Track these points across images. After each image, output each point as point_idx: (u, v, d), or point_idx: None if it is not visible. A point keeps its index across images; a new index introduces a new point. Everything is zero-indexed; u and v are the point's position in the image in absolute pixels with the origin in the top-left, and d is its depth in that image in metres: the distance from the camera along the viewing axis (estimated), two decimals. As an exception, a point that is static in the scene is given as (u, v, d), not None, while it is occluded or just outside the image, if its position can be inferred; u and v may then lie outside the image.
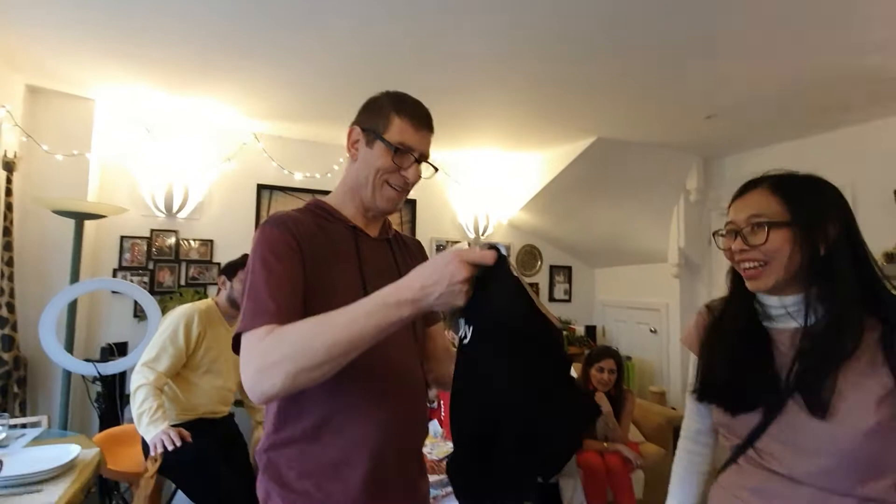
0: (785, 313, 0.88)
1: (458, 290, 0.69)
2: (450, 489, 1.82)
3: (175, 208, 3.22)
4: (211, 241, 3.37)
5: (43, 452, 1.61)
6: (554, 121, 3.12)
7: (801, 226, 0.84)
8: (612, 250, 4.32)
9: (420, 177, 0.99)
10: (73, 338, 2.63)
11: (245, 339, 0.78)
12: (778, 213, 0.86)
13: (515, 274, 0.72)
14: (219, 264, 3.33)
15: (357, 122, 0.99)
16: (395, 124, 0.94)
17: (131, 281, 3.06)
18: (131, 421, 1.96)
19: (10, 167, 2.54)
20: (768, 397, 0.86)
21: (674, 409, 3.41)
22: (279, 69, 2.47)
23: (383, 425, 0.90)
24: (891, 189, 2.80)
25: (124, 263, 3.13)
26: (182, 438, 1.82)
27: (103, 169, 3.07)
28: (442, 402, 2.50)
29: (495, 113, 3.06)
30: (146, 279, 3.16)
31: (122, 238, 3.12)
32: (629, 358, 4.06)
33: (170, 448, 1.77)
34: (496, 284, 0.71)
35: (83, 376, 2.68)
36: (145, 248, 3.18)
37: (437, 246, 4.11)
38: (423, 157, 0.98)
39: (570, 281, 4.68)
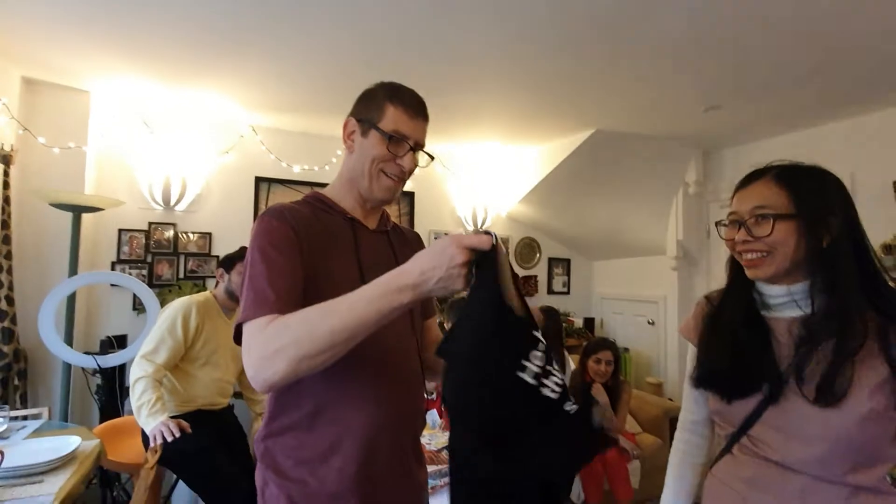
0: (784, 302, 0.89)
1: (457, 273, 0.70)
2: (447, 479, 1.83)
3: (173, 201, 3.21)
4: (209, 233, 3.37)
5: (44, 444, 1.62)
6: (553, 112, 3.11)
7: (806, 218, 0.84)
8: (611, 243, 4.33)
9: (416, 165, 0.99)
10: (73, 331, 2.64)
11: (247, 329, 0.79)
12: (783, 205, 0.86)
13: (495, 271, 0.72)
14: (217, 257, 3.33)
15: (352, 113, 0.99)
16: (389, 113, 0.94)
17: (130, 274, 3.06)
18: (131, 413, 1.97)
19: (6, 160, 2.53)
20: (764, 384, 0.87)
21: (670, 400, 3.43)
22: (275, 60, 2.46)
23: (379, 415, 0.91)
24: (890, 181, 2.80)
25: (123, 256, 3.13)
26: (181, 429, 1.83)
27: (100, 161, 3.06)
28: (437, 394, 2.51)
29: (493, 105, 3.05)
30: (145, 272, 3.17)
31: (121, 231, 3.12)
32: (627, 350, 4.08)
33: (169, 439, 1.78)
34: (482, 273, 0.71)
35: (83, 369, 2.69)
36: (143, 241, 3.18)
37: (435, 238, 4.11)
38: (419, 146, 0.98)
39: (568, 273, 4.68)
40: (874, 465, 0.80)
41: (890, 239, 2.69)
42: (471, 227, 4.22)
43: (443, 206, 4.19)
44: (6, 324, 2.48)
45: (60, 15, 2.07)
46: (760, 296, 0.93)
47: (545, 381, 0.70)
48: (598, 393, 2.70)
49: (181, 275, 3.29)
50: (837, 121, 3.07)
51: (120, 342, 2.89)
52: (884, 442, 0.80)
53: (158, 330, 2.02)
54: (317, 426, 0.89)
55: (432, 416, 2.39)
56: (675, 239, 3.82)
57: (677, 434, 1.10)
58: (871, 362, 0.79)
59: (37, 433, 1.79)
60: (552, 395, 0.70)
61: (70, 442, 1.63)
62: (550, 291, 4.57)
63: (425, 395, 1.11)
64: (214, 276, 3.00)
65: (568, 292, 4.66)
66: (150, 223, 3.20)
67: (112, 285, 3.05)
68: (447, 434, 2.22)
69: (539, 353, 0.71)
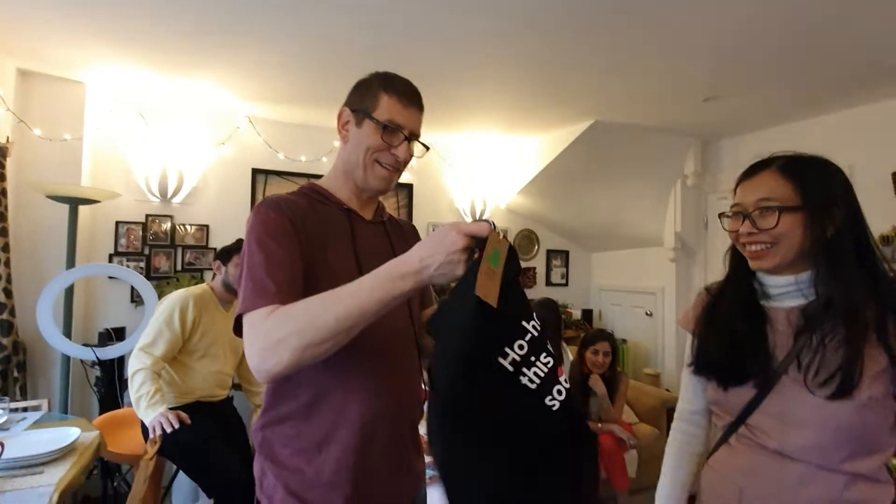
0: (786, 292, 0.89)
1: (457, 259, 0.70)
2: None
3: (170, 193, 3.20)
4: (206, 226, 3.36)
5: (44, 435, 1.63)
6: (551, 103, 3.09)
7: (811, 210, 0.84)
8: (609, 234, 4.33)
9: (412, 155, 0.98)
10: (71, 323, 2.64)
11: (248, 320, 0.78)
12: (789, 196, 0.86)
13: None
14: (215, 249, 3.32)
15: (347, 103, 0.98)
16: (383, 102, 0.93)
17: (127, 266, 3.05)
18: (131, 404, 1.98)
19: (2, 152, 2.51)
20: (763, 372, 0.87)
21: (668, 390, 3.45)
22: (272, 50, 2.44)
23: (377, 404, 0.91)
24: (889, 173, 2.79)
25: (120, 249, 3.12)
26: (181, 421, 1.84)
27: (96, 153, 3.04)
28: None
29: (492, 95, 3.03)
30: (142, 264, 3.16)
31: (118, 223, 3.11)
32: (624, 341, 4.10)
33: (168, 430, 1.79)
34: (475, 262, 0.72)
35: (82, 361, 2.69)
36: (141, 233, 3.17)
37: (433, 230, 4.11)
38: (414, 136, 0.98)
39: (567, 265, 4.69)
40: (872, 453, 0.81)
41: (888, 230, 2.70)
42: (469, 220, 4.21)
43: (441, 198, 4.18)
44: (5, 316, 2.48)
45: (55, 5, 2.04)
46: (761, 286, 0.93)
47: (525, 371, 0.72)
48: (596, 384, 2.72)
49: (179, 267, 3.28)
50: (837, 111, 3.06)
51: (118, 334, 2.90)
52: (882, 430, 0.81)
53: (156, 322, 2.02)
54: (314, 415, 0.89)
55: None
56: (673, 230, 3.82)
57: (674, 424, 1.11)
58: (869, 352, 0.80)
59: (36, 424, 1.80)
60: (530, 385, 0.72)
61: (70, 433, 1.64)
62: (549, 283, 4.58)
63: (423, 385, 1.11)
64: (212, 269, 3.01)
65: (566, 284, 4.67)
66: (147, 215, 3.19)
67: (110, 277, 3.05)
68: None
69: (523, 343, 0.73)
